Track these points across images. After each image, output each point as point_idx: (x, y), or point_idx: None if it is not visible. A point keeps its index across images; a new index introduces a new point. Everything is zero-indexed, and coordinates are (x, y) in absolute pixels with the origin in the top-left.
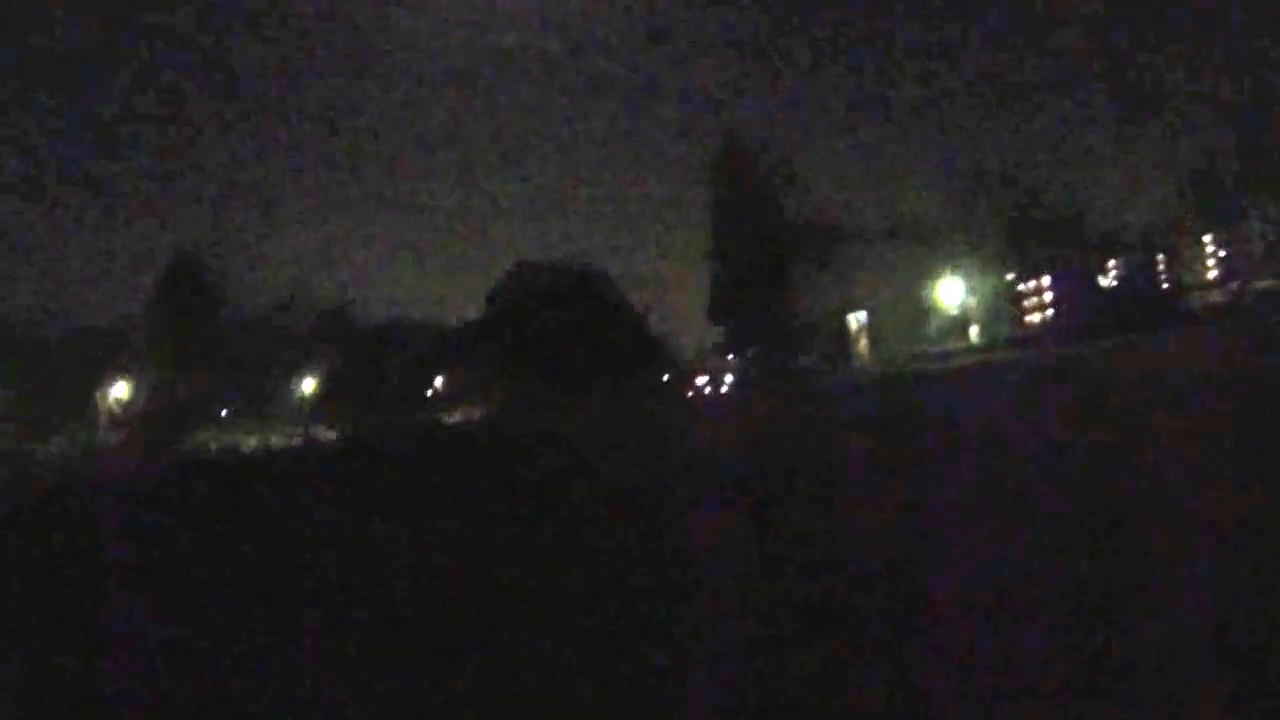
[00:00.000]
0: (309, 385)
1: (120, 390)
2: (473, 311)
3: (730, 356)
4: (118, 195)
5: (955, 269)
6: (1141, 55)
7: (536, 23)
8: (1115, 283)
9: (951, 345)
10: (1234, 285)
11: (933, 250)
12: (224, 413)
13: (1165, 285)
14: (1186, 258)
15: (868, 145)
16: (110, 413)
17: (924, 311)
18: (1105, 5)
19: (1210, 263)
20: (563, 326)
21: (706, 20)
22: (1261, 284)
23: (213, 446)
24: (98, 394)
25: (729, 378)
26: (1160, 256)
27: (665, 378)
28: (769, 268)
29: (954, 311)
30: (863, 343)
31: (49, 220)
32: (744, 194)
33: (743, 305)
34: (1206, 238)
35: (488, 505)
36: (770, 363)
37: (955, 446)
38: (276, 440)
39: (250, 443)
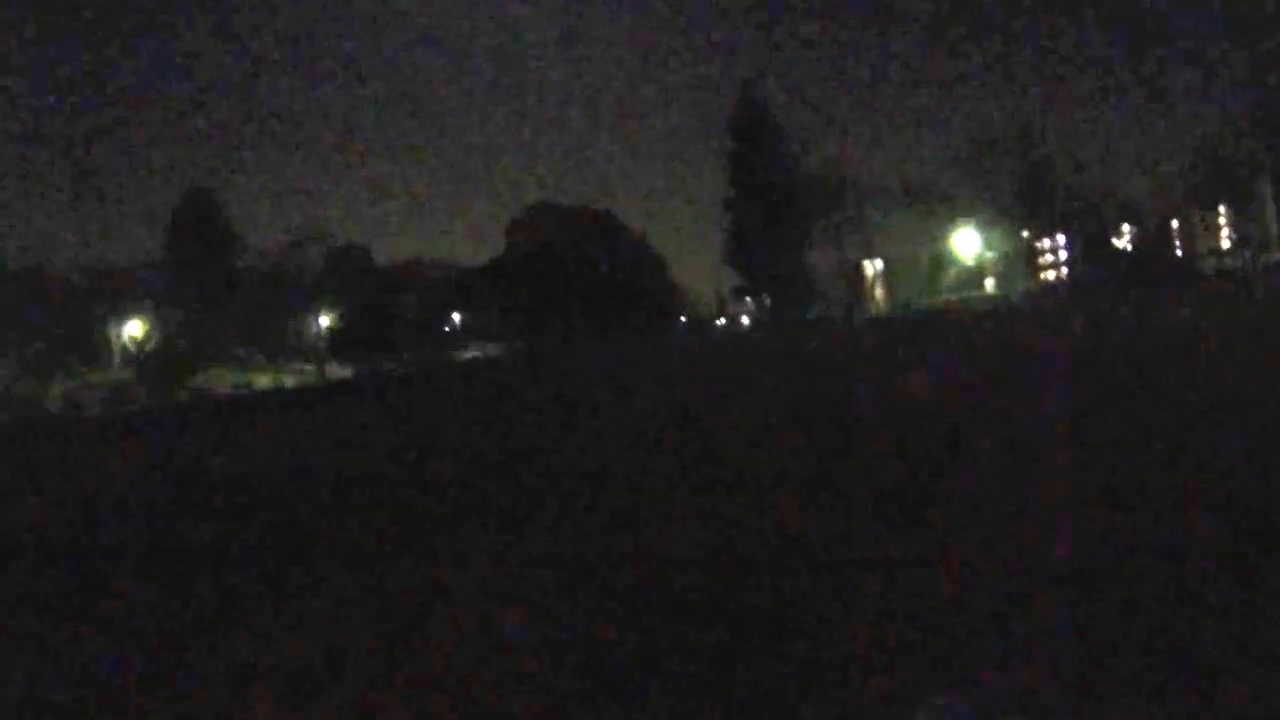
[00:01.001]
0: (325, 323)
1: (134, 328)
2: (490, 250)
3: (747, 300)
4: (132, 133)
5: (970, 223)
6: (1160, 23)
7: None
8: (1130, 246)
9: (967, 295)
10: (1246, 254)
11: (947, 205)
12: (239, 352)
13: (1179, 251)
14: (1200, 226)
15: (883, 101)
16: (124, 350)
17: (940, 262)
18: None
19: (1224, 232)
20: (580, 266)
21: None
22: (1275, 255)
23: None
24: (112, 331)
25: (745, 320)
26: (1174, 224)
27: (683, 319)
28: (783, 217)
29: (970, 263)
30: (879, 290)
31: (61, 158)
32: (759, 145)
33: (758, 252)
34: (1220, 208)
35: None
36: (785, 307)
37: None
38: (290, 380)
39: (262, 382)
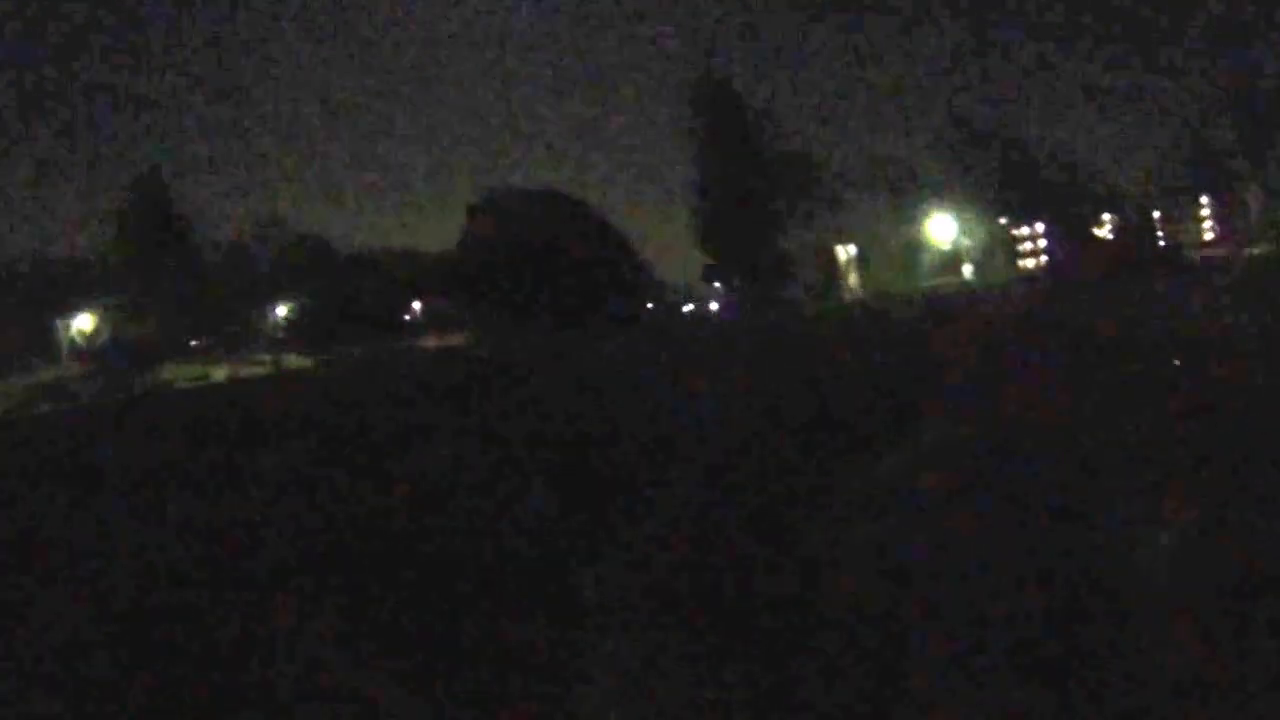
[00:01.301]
0: (281, 313)
1: (84, 322)
2: (451, 238)
3: (716, 285)
4: (79, 117)
5: (947, 207)
6: (1141, 12)
7: None
8: (1112, 235)
9: (944, 281)
10: (1231, 246)
11: (922, 189)
12: (193, 344)
13: (1162, 242)
14: (1182, 218)
15: (854, 82)
16: (72, 344)
17: (915, 248)
18: None
19: (1206, 224)
20: (543, 251)
21: None
22: (1255, 249)
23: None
24: (60, 325)
25: (714, 305)
26: (1156, 215)
27: (650, 305)
28: (751, 199)
29: (946, 248)
30: (853, 276)
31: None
32: (724, 126)
33: (727, 235)
34: (1203, 199)
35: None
36: (755, 292)
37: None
38: (246, 371)
39: (219, 375)
